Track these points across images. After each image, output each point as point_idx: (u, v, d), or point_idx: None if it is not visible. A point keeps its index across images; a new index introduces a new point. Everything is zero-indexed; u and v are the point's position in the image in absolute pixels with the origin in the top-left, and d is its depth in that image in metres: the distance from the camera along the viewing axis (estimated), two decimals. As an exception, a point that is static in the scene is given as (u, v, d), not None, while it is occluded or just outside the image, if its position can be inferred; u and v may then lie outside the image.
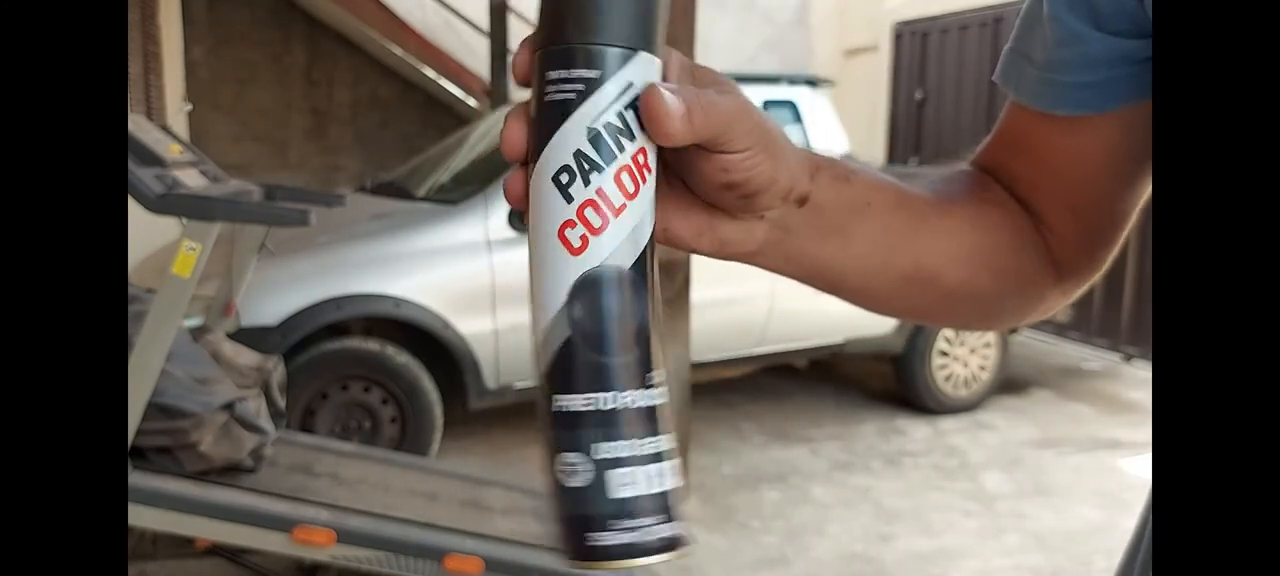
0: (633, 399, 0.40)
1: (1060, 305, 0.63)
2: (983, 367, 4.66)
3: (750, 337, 4.24)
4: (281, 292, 3.39)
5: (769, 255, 0.50)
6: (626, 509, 0.39)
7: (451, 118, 7.68)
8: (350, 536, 2.15)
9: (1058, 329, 5.59)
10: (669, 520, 0.40)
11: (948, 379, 4.59)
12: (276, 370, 2.62)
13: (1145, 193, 0.57)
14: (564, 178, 0.39)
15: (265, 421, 2.38)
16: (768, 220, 0.48)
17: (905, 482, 3.77)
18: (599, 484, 0.39)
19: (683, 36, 3.27)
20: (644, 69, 0.40)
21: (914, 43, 7.41)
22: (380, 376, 3.52)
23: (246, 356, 2.62)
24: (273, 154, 7.83)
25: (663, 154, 0.43)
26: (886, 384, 4.90)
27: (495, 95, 6.76)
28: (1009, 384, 4.94)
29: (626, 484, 0.39)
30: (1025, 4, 0.56)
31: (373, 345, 3.52)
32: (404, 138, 7.95)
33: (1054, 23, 0.52)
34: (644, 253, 0.41)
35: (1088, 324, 5.38)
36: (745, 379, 5.11)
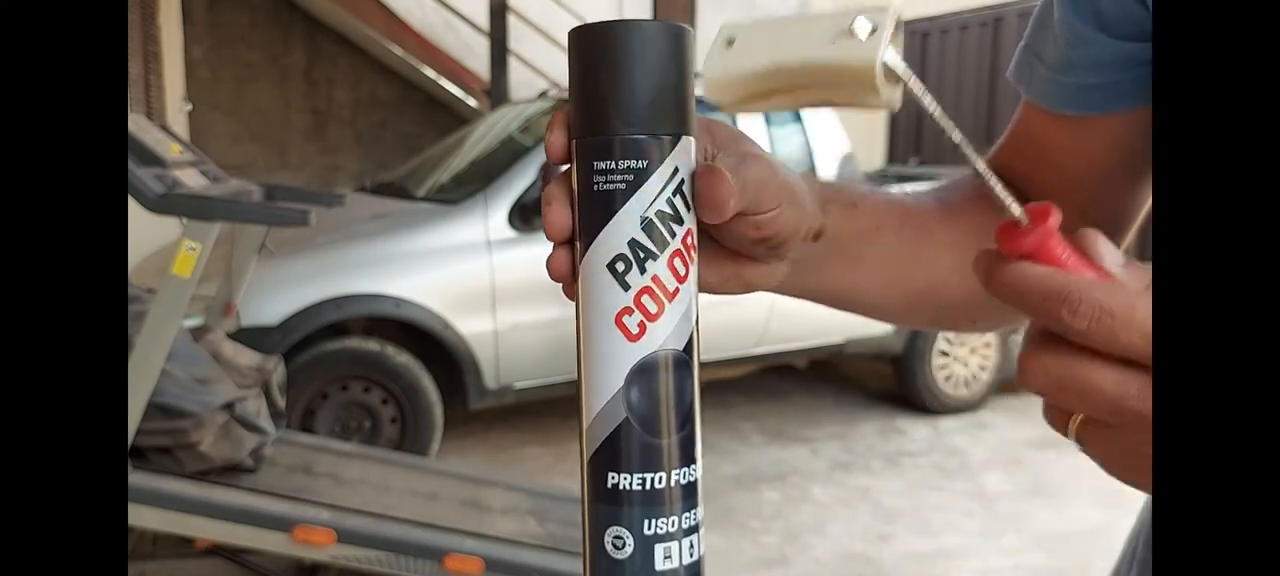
0: (680, 476, 0.41)
1: None
2: (983, 368, 4.66)
3: (750, 337, 4.23)
4: (281, 292, 3.39)
5: (787, 286, 0.51)
6: None
7: (451, 118, 7.68)
8: (350, 536, 2.15)
9: (1058, 329, 5.58)
10: None
11: (948, 379, 4.59)
12: (276, 370, 2.62)
13: (1150, 194, 0.58)
14: (620, 266, 0.40)
15: (265, 421, 2.38)
16: (787, 258, 0.49)
17: (905, 482, 3.77)
18: (644, 557, 0.41)
19: (683, 36, 3.26)
20: (687, 152, 0.41)
21: (914, 43, 7.41)
22: (380, 376, 3.52)
23: (246, 356, 2.62)
24: (273, 154, 7.83)
25: None
26: (886, 384, 4.90)
27: (495, 95, 6.76)
28: (1009, 384, 4.94)
29: (669, 558, 0.41)
30: (1039, 2, 0.56)
31: (373, 345, 3.52)
32: (404, 138, 7.95)
33: (1062, 25, 0.52)
34: (692, 332, 0.42)
35: (1088, 324, 5.37)
36: (745, 379, 5.11)
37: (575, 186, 0.41)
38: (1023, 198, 0.60)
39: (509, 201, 3.72)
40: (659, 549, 0.41)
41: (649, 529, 0.41)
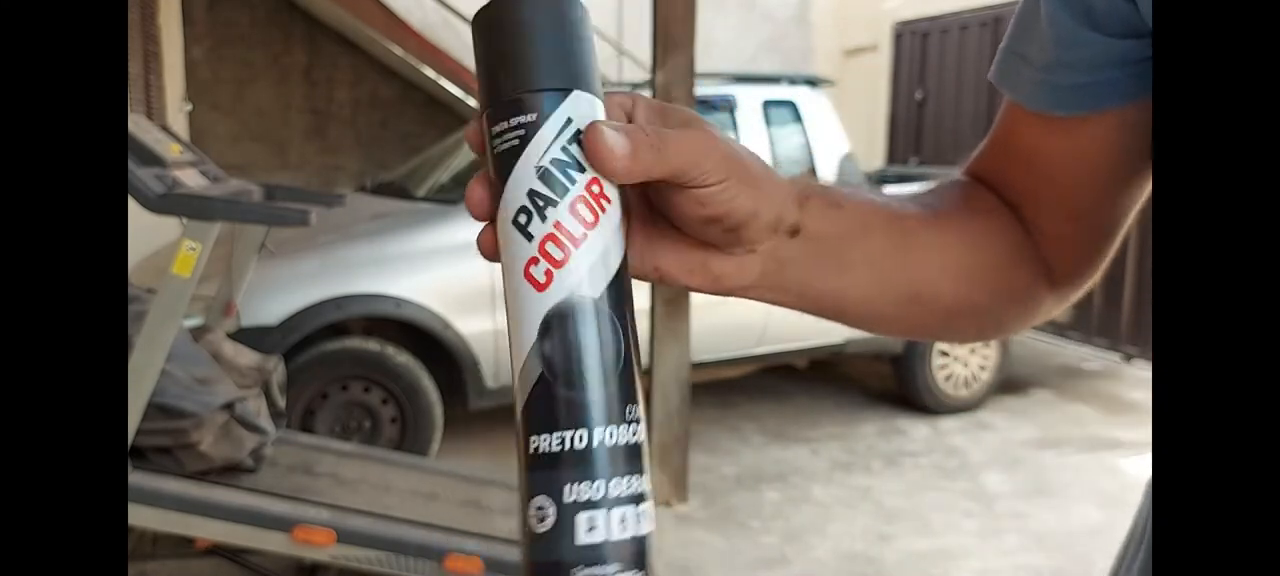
0: (607, 435, 0.38)
1: (1057, 310, 0.63)
2: (983, 368, 4.66)
3: (750, 337, 4.23)
4: (281, 293, 3.39)
5: (765, 288, 0.50)
6: (592, 555, 0.37)
7: (451, 118, 7.68)
8: (350, 536, 2.15)
9: (1058, 329, 5.58)
10: (639, 569, 0.38)
11: (948, 379, 4.59)
12: (276, 370, 2.62)
13: (1141, 195, 0.57)
14: (522, 218, 0.40)
15: (265, 421, 2.38)
16: (761, 254, 0.47)
17: (905, 482, 3.77)
18: (566, 527, 0.37)
19: (683, 36, 3.26)
20: (581, 106, 0.41)
21: (914, 43, 7.41)
22: (380, 376, 3.52)
23: (246, 356, 2.62)
24: (273, 154, 7.83)
25: (646, 194, 0.44)
26: (886, 384, 4.90)
27: (495, 95, 6.75)
28: (1009, 384, 4.94)
29: (594, 528, 0.37)
30: (1020, 3, 0.55)
31: (373, 345, 3.52)
32: (404, 138, 7.95)
33: (1050, 23, 0.52)
34: (615, 280, 0.40)
35: (1088, 324, 5.38)
36: (745, 379, 5.10)
37: (487, 160, 0.42)
38: (1011, 203, 0.60)
39: (509, 201, 3.71)
40: (582, 518, 0.37)
41: (569, 495, 0.37)
